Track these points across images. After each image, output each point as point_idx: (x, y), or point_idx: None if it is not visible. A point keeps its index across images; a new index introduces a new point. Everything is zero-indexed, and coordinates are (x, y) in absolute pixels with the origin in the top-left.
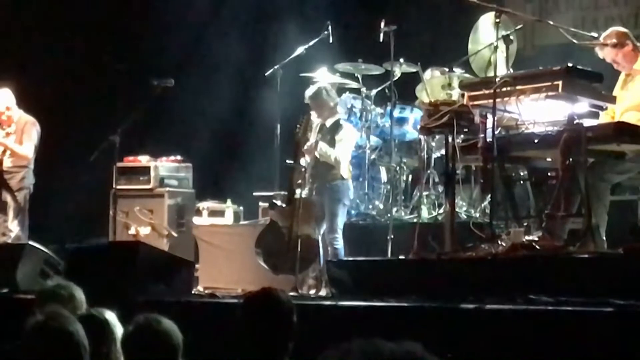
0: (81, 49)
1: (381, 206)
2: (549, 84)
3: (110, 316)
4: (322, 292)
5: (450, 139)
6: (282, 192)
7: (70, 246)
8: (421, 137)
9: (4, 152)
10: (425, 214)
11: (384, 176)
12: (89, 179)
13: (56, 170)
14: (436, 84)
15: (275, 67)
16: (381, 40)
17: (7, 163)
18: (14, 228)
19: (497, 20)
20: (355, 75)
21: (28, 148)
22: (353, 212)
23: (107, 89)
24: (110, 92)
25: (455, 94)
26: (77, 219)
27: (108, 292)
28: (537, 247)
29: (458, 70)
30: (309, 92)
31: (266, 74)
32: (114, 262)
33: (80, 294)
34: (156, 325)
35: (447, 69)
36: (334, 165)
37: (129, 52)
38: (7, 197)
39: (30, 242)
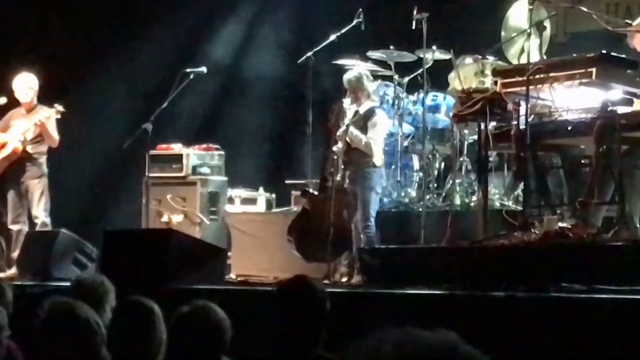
0: (113, 36)
1: (414, 194)
2: (583, 71)
3: (154, 305)
4: (355, 280)
5: (483, 127)
6: (315, 180)
7: (107, 229)
8: (454, 124)
9: (25, 138)
10: (457, 201)
11: (416, 164)
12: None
13: (89, 159)
14: (469, 71)
15: (308, 54)
16: (414, 27)
17: (29, 149)
18: (39, 214)
19: (531, 6)
20: (388, 62)
21: (56, 134)
22: (386, 200)
23: (139, 77)
24: (143, 80)
25: (488, 81)
26: (110, 207)
27: (141, 280)
28: (571, 234)
29: (491, 58)
30: (349, 75)
31: (298, 62)
32: (147, 250)
33: (110, 287)
34: (212, 314)
35: (480, 56)
36: (366, 152)
37: (161, 39)
38: (29, 184)
39: (64, 230)
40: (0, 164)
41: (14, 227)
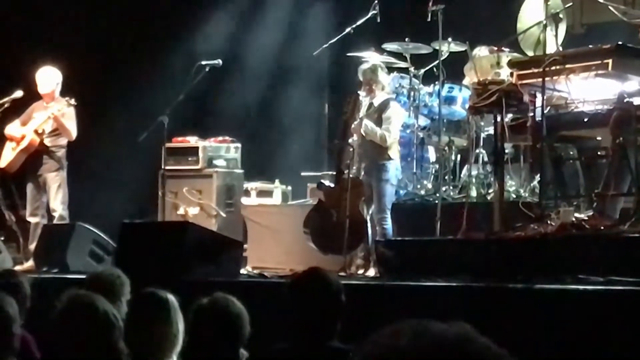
0: (129, 28)
1: (430, 186)
2: (599, 62)
3: (170, 296)
4: (371, 272)
5: (499, 118)
6: (330, 172)
7: (124, 221)
8: (470, 116)
9: (43, 131)
10: (474, 193)
11: (432, 156)
12: (138, 159)
13: (106, 151)
14: (485, 63)
15: (323, 46)
16: (429, 19)
17: (47, 142)
18: (57, 207)
19: None
20: (403, 54)
21: (74, 127)
22: (402, 192)
23: (155, 70)
24: (159, 73)
25: (504, 73)
26: (126, 200)
27: (157, 272)
28: (587, 226)
29: (507, 49)
30: (364, 67)
31: (314, 54)
32: (163, 242)
33: (126, 280)
34: (231, 306)
35: (496, 48)
36: (381, 144)
37: (178, 32)
38: (47, 177)
39: (80, 223)
40: (18, 157)
41: (31, 220)
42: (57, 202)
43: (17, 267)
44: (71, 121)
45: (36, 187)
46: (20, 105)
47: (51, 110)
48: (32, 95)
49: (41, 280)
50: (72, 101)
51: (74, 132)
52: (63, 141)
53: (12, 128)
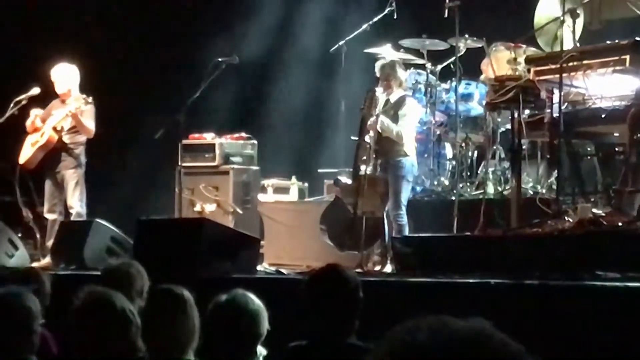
0: (146, 25)
1: (447, 182)
2: (617, 58)
3: (186, 292)
4: (387, 269)
5: (516, 115)
6: (347, 169)
7: (141, 218)
8: (487, 112)
9: (62, 128)
10: (491, 190)
11: (449, 152)
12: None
13: (122, 148)
14: (502, 59)
15: (340, 43)
16: (446, 15)
17: (65, 139)
18: (74, 204)
19: None
20: (420, 51)
21: (92, 124)
22: (418, 188)
23: (172, 67)
24: (176, 70)
25: (521, 69)
26: (143, 197)
27: (174, 269)
28: (605, 222)
29: (524, 45)
30: (382, 62)
31: (331, 50)
32: (180, 239)
33: (143, 272)
34: (250, 303)
35: (512, 44)
36: (397, 140)
37: (195, 29)
38: (65, 174)
39: (98, 220)
40: (36, 154)
41: (49, 216)
42: (75, 199)
43: (34, 264)
44: (89, 119)
45: (54, 184)
46: (38, 102)
47: (69, 108)
48: (50, 93)
49: (58, 276)
50: (90, 99)
51: (92, 130)
52: (82, 138)
53: (39, 118)
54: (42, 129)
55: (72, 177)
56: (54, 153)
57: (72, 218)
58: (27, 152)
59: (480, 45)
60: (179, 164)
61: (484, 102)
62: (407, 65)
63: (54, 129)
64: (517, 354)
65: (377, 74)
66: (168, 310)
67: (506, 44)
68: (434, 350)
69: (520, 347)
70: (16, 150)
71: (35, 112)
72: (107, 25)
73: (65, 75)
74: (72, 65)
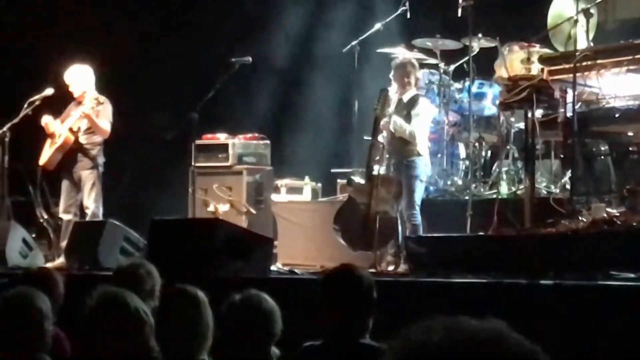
0: (161, 27)
1: (460, 182)
2: (631, 57)
3: (200, 293)
4: (401, 269)
5: (529, 114)
6: (360, 169)
7: (154, 218)
8: (500, 112)
9: (79, 129)
10: (504, 189)
11: (462, 152)
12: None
13: (136, 148)
14: (515, 59)
15: (353, 43)
16: (459, 15)
17: (82, 140)
18: (90, 205)
19: None
20: (433, 50)
21: (107, 125)
22: (432, 188)
23: (185, 67)
24: (188, 70)
25: (535, 68)
26: (156, 197)
27: (187, 269)
28: (619, 222)
29: (537, 45)
30: (398, 62)
31: (344, 50)
32: (193, 239)
33: (156, 273)
34: (263, 303)
35: (526, 44)
36: (410, 140)
37: (208, 29)
38: (82, 175)
39: (111, 220)
40: (54, 155)
41: (64, 217)
42: (91, 200)
43: (48, 264)
44: (104, 119)
45: (71, 185)
46: (53, 103)
47: (82, 109)
48: (66, 94)
49: (72, 277)
50: (103, 99)
51: (106, 130)
52: (98, 139)
53: (52, 124)
54: (59, 130)
55: (89, 177)
56: (71, 154)
57: (87, 219)
58: (46, 153)
59: (493, 45)
60: (193, 164)
61: (497, 102)
62: (420, 65)
63: (70, 130)
64: (532, 354)
65: (392, 74)
66: (182, 311)
67: (520, 44)
68: (449, 350)
69: (536, 348)
70: (30, 151)
71: (46, 120)
72: (122, 25)
73: (79, 77)
74: (85, 66)
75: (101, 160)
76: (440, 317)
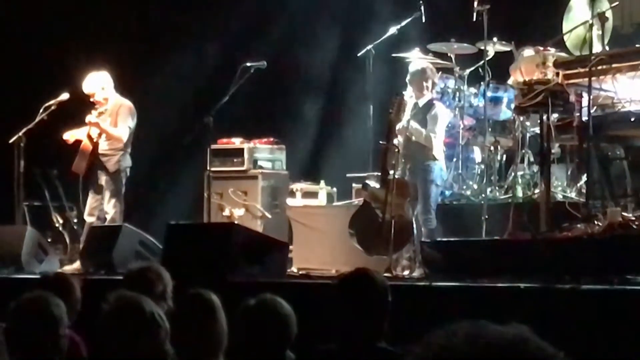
0: (175, 30)
1: (475, 186)
2: None
3: (214, 297)
4: (416, 273)
5: (545, 118)
6: (376, 173)
7: (170, 223)
8: (515, 116)
9: (100, 134)
10: (520, 193)
11: (478, 156)
12: (184, 161)
13: (152, 153)
14: (530, 63)
15: (368, 47)
16: (474, 19)
17: (103, 146)
18: (109, 210)
19: None
20: (448, 55)
21: (122, 130)
22: (447, 192)
23: (200, 71)
24: (204, 74)
25: (550, 72)
26: (172, 201)
27: (203, 273)
28: (634, 226)
29: (552, 49)
30: (413, 67)
31: (358, 55)
32: (209, 243)
33: (167, 275)
34: (279, 308)
35: (541, 48)
36: (426, 145)
37: (224, 33)
38: (103, 180)
39: (126, 224)
40: (78, 161)
41: (88, 219)
42: (110, 205)
43: (66, 268)
44: (122, 123)
45: (95, 189)
46: (68, 108)
47: (89, 117)
48: (80, 98)
49: (88, 281)
50: (126, 103)
51: (119, 136)
52: (120, 144)
53: (75, 134)
54: (81, 137)
55: (109, 183)
56: (94, 159)
57: (106, 223)
58: (75, 159)
59: (508, 49)
60: (208, 168)
61: (512, 106)
62: (435, 70)
63: (88, 136)
64: (554, 358)
65: (409, 78)
66: (197, 315)
67: (535, 48)
68: (472, 355)
69: (558, 352)
70: (45, 155)
71: (66, 137)
72: (137, 29)
73: (99, 85)
74: (101, 72)
75: (125, 165)
76: (462, 321)
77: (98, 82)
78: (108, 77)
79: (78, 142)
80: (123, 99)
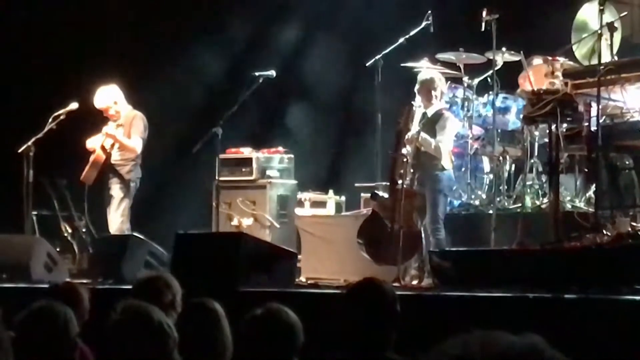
0: (182, 40)
1: (484, 196)
2: None
3: (218, 306)
4: (425, 283)
5: (553, 128)
6: (384, 183)
7: (178, 232)
8: (524, 126)
9: (112, 145)
10: (528, 203)
11: (486, 166)
12: (192, 170)
13: (160, 163)
14: (539, 73)
15: (376, 57)
16: (483, 29)
17: (115, 156)
18: (115, 219)
19: (601, 7)
20: (457, 64)
21: (136, 141)
22: (456, 202)
23: (208, 81)
24: (213, 84)
25: (559, 82)
26: (180, 211)
27: (211, 283)
28: None
29: (561, 59)
30: (423, 77)
31: (367, 65)
32: (217, 253)
33: (176, 285)
34: (285, 317)
35: (550, 57)
36: (435, 155)
37: (232, 43)
38: (113, 190)
39: (135, 234)
40: (89, 171)
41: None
42: (117, 214)
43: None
44: (135, 135)
45: (108, 202)
46: (77, 117)
47: (106, 129)
48: (89, 108)
49: (96, 291)
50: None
51: (133, 147)
52: (131, 155)
53: (92, 140)
54: (94, 148)
55: (118, 193)
56: (105, 169)
57: (112, 232)
58: (86, 169)
59: (517, 59)
60: (216, 178)
61: (521, 116)
62: (444, 79)
63: (102, 147)
64: None
65: (417, 88)
66: (201, 324)
67: (544, 57)
68: None
69: None
70: (54, 165)
71: (89, 145)
72: (145, 39)
73: (109, 99)
74: (110, 86)
75: (135, 175)
76: (476, 331)
77: (110, 97)
78: (118, 90)
79: (88, 151)
80: (135, 110)
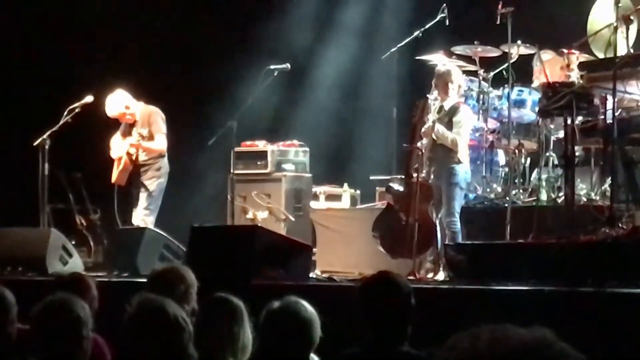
0: (199, 35)
1: (499, 189)
2: None
3: (241, 303)
4: (440, 276)
5: (569, 121)
6: (399, 176)
7: (194, 225)
8: (540, 119)
9: (137, 150)
10: (544, 196)
11: (502, 159)
12: (208, 163)
13: (176, 156)
14: (554, 66)
15: (392, 50)
16: (498, 22)
17: (142, 157)
18: (140, 214)
19: None
20: (472, 57)
21: (161, 141)
22: (471, 195)
23: (224, 75)
24: (228, 78)
25: (574, 75)
26: (195, 204)
27: (226, 276)
28: None
29: (577, 51)
30: (440, 70)
31: (382, 57)
32: (232, 246)
33: (190, 276)
34: (302, 310)
35: (565, 50)
36: (452, 148)
37: (247, 37)
38: (145, 185)
39: (150, 227)
40: (121, 174)
41: (134, 222)
42: (141, 207)
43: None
44: (158, 133)
45: (138, 195)
46: (93, 110)
47: (130, 140)
48: (104, 101)
49: (112, 284)
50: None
51: (158, 149)
52: (156, 153)
53: (115, 145)
54: (119, 153)
55: (148, 187)
56: (136, 169)
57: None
58: (115, 173)
59: (532, 52)
60: (232, 171)
61: (536, 109)
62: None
63: (127, 153)
64: None
65: (434, 80)
66: (222, 319)
67: (559, 50)
68: (496, 358)
69: (581, 356)
70: (70, 158)
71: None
72: (161, 33)
73: (120, 105)
74: (117, 92)
75: (164, 170)
76: (485, 325)
77: (120, 104)
78: (125, 94)
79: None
80: (149, 106)
